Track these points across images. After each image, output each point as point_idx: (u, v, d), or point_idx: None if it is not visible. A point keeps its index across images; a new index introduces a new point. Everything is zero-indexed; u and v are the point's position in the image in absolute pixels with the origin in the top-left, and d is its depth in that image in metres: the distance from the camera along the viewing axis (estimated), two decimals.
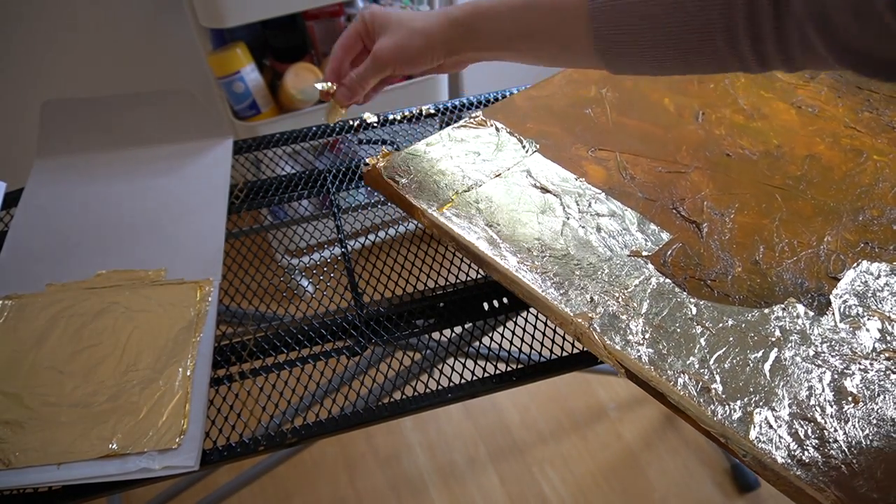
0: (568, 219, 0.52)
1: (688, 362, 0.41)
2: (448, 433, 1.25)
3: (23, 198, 0.61)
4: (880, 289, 0.46)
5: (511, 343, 0.53)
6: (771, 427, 0.38)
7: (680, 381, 0.40)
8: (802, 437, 0.37)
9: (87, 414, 0.44)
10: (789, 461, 0.36)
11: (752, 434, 0.37)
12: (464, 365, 0.50)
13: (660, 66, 0.42)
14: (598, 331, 0.44)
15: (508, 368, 0.50)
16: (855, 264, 0.48)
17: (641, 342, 0.43)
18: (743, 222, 0.52)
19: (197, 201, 0.61)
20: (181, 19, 1.20)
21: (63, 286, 0.53)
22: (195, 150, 0.66)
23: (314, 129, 0.70)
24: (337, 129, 0.70)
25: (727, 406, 0.39)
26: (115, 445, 0.42)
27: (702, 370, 0.41)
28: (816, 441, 0.37)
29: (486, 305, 0.54)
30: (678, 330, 0.43)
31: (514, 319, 0.55)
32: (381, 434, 1.25)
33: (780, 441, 0.37)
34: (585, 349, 0.50)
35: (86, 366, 0.47)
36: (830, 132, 0.61)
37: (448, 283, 0.56)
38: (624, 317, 0.44)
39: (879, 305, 0.45)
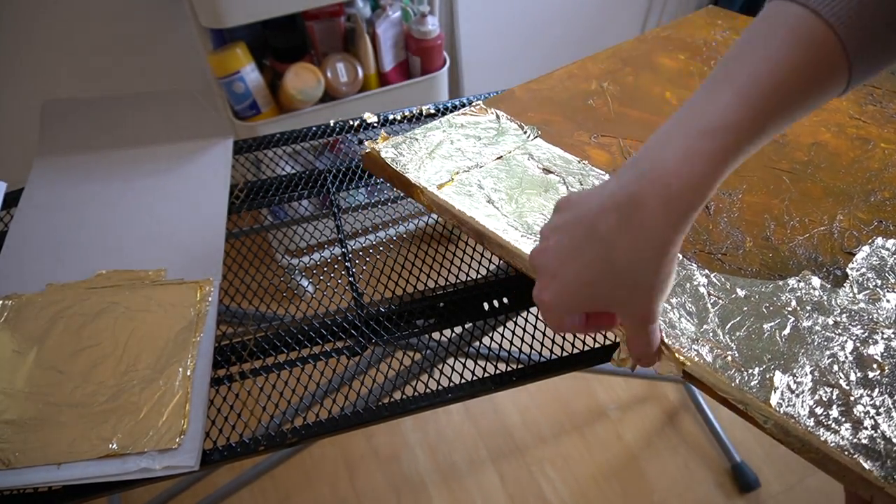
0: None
1: (701, 330, 0.41)
2: (448, 433, 1.25)
3: (23, 198, 0.61)
4: None
5: (511, 343, 0.53)
6: (793, 393, 0.37)
7: (694, 348, 0.40)
8: (827, 402, 0.36)
9: (87, 414, 0.44)
10: (814, 426, 0.35)
11: (774, 400, 0.36)
12: (464, 365, 0.50)
13: None
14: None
15: (508, 368, 0.50)
16: (870, 241, 0.48)
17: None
18: (751, 201, 0.52)
19: (197, 201, 0.61)
20: (181, 19, 1.20)
21: (63, 286, 0.53)
22: (195, 150, 0.66)
23: (314, 129, 0.70)
24: (337, 130, 0.70)
25: (744, 372, 0.38)
26: (115, 445, 0.42)
27: (715, 338, 0.40)
28: (842, 407, 0.36)
29: (486, 305, 0.54)
30: (689, 300, 0.43)
31: (514, 319, 0.55)
32: (381, 434, 1.25)
33: (803, 406, 0.36)
34: (586, 349, 0.50)
35: (86, 366, 0.47)
36: (835, 122, 0.61)
37: (448, 283, 0.56)
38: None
39: None
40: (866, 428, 0.36)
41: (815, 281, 0.45)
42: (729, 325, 0.41)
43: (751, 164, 0.56)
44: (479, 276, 0.56)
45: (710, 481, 1.18)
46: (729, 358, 0.39)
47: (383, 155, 0.55)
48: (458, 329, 0.55)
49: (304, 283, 1.21)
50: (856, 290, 0.44)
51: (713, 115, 0.30)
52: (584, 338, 0.50)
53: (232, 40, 1.08)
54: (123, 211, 0.60)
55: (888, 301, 0.43)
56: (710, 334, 0.41)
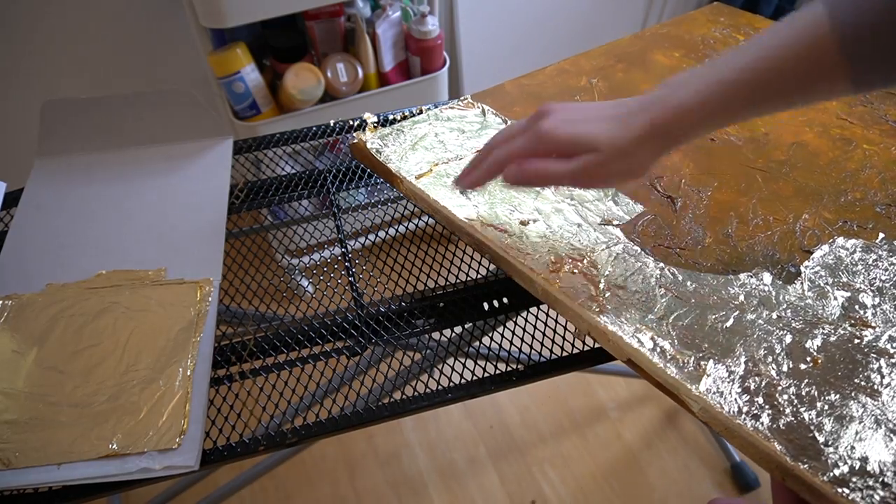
0: (542, 189, 0.53)
1: (646, 319, 0.42)
2: (448, 433, 1.25)
3: (23, 198, 0.61)
4: (854, 263, 0.47)
5: (511, 343, 0.53)
6: (723, 381, 0.38)
7: (635, 335, 0.41)
8: (754, 390, 0.38)
9: (87, 414, 0.44)
10: (737, 412, 0.37)
11: (703, 386, 0.38)
12: (464, 365, 0.50)
13: None
14: (560, 289, 0.44)
15: (508, 368, 0.50)
16: (830, 240, 0.48)
17: (601, 299, 0.43)
18: (719, 199, 0.52)
19: (197, 201, 0.61)
20: (181, 19, 1.19)
21: (63, 286, 0.53)
22: (195, 150, 0.66)
23: (314, 129, 0.70)
24: (337, 130, 0.70)
25: (680, 360, 0.40)
26: (115, 445, 0.42)
27: (658, 327, 0.42)
28: (767, 395, 0.38)
29: (486, 305, 0.54)
30: (639, 290, 0.44)
31: (514, 319, 0.55)
32: (381, 434, 1.25)
33: (731, 393, 0.38)
34: (586, 349, 0.50)
35: (86, 366, 0.47)
36: (821, 122, 0.61)
37: (448, 283, 0.56)
38: (587, 277, 0.45)
39: (851, 278, 0.46)
40: (786, 415, 0.37)
41: (766, 277, 0.45)
42: (674, 315, 0.43)
43: (725, 161, 0.56)
44: (479, 276, 0.56)
45: (710, 481, 1.18)
46: (668, 346, 0.40)
47: (369, 146, 0.57)
48: (458, 329, 0.55)
49: (304, 283, 1.21)
50: (805, 288, 0.45)
51: (724, 73, 0.38)
52: (585, 338, 0.50)
53: (232, 40, 1.08)
54: (123, 211, 0.60)
55: (835, 299, 0.44)
56: (654, 323, 0.42)
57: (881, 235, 0.49)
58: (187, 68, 1.28)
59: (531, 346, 0.52)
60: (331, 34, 1.15)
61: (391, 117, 0.71)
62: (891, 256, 0.47)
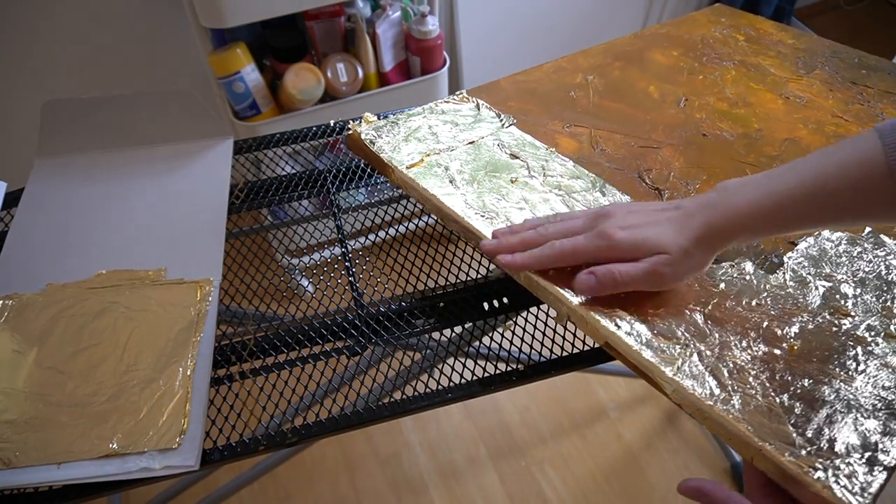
0: (531, 178, 0.53)
1: (625, 305, 0.43)
2: (448, 433, 1.25)
3: (23, 198, 0.61)
4: (838, 255, 0.47)
5: (511, 343, 0.53)
6: (697, 365, 0.39)
7: (614, 321, 0.42)
8: (727, 374, 0.39)
9: (87, 414, 0.44)
10: (709, 395, 0.37)
11: (678, 369, 0.39)
12: (464, 365, 0.50)
13: None
14: (542, 275, 0.45)
15: (508, 368, 0.50)
16: (816, 233, 0.49)
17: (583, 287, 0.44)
18: (707, 191, 0.52)
19: (197, 201, 0.61)
20: (181, 19, 1.19)
21: (63, 286, 0.53)
22: (195, 150, 0.66)
23: (314, 129, 0.70)
24: (337, 130, 0.70)
25: (658, 344, 0.40)
26: (115, 445, 0.42)
27: (638, 313, 0.42)
28: (740, 380, 0.38)
29: (486, 305, 0.54)
30: None
31: (514, 319, 0.55)
32: (381, 434, 1.25)
33: (704, 377, 0.38)
34: (586, 349, 0.51)
35: (86, 366, 0.47)
36: (816, 120, 0.61)
37: (448, 283, 0.56)
38: (570, 265, 0.46)
39: (833, 269, 0.46)
40: (757, 398, 0.37)
41: (748, 266, 0.46)
42: (652, 301, 0.43)
43: (716, 156, 0.56)
44: (479, 276, 0.56)
45: None
46: (644, 330, 0.41)
47: (363, 137, 0.58)
48: (458, 329, 0.55)
49: (304, 283, 1.21)
50: (787, 277, 0.45)
51: (778, 186, 0.39)
52: (584, 338, 0.50)
53: (232, 40, 1.08)
54: (124, 211, 0.60)
55: (816, 289, 0.44)
56: (633, 309, 0.43)
57: (867, 229, 0.49)
58: (187, 68, 1.28)
59: (531, 346, 0.52)
60: (331, 34, 1.15)
61: (391, 117, 0.71)
62: (875, 249, 0.47)
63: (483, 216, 0.50)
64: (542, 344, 0.52)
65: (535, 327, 0.53)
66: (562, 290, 0.44)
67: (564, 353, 0.51)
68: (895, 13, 2.37)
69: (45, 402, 0.45)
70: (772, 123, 0.60)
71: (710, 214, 0.41)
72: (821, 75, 0.68)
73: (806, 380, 0.38)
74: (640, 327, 0.41)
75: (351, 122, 0.61)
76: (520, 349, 0.52)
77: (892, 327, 0.42)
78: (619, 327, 0.41)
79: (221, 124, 0.67)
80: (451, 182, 0.53)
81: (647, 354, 0.40)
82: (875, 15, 2.36)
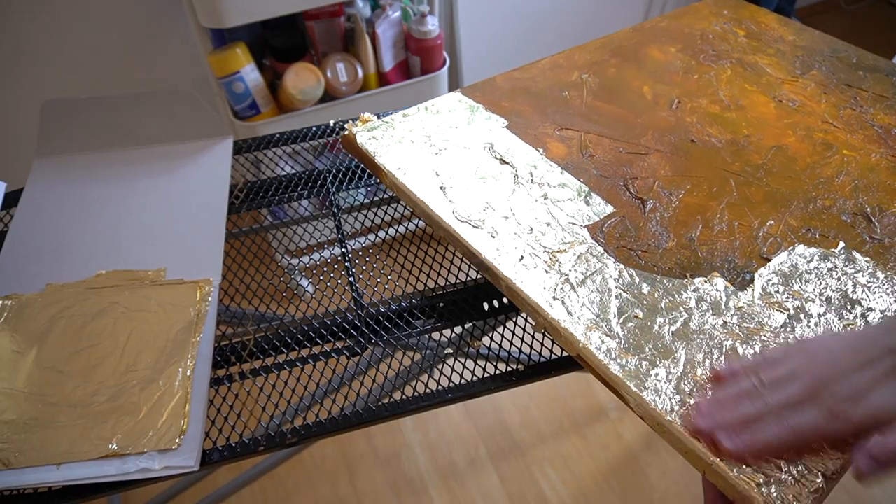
0: (518, 186, 0.54)
1: (598, 318, 0.44)
2: (448, 433, 1.25)
3: (23, 198, 0.61)
4: (808, 272, 0.47)
5: (511, 343, 0.53)
6: (661, 381, 0.40)
7: (584, 333, 0.43)
8: (688, 392, 0.39)
9: (87, 414, 0.44)
10: (669, 410, 0.38)
11: (641, 384, 0.40)
12: (464, 365, 0.50)
13: None
14: (520, 285, 0.45)
15: (508, 368, 0.50)
16: (791, 248, 0.49)
17: (557, 297, 0.45)
18: (689, 202, 0.53)
19: (197, 201, 0.61)
20: (181, 19, 1.20)
21: (63, 286, 0.53)
22: (195, 150, 0.66)
23: (314, 129, 0.70)
24: (337, 130, 0.70)
25: (624, 359, 0.41)
26: (114, 446, 0.42)
27: (608, 327, 0.43)
28: (699, 396, 0.39)
29: (486, 305, 0.54)
30: (596, 290, 0.45)
31: (514, 319, 0.55)
32: (381, 434, 1.25)
33: (665, 392, 0.39)
34: None
35: (86, 366, 0.47)
36: (805, 126, 0.61)
37: (448, 283, 0.56)
38: (547, 274, 0.46)
39: (802, 287, 0.46)
40: None
41: (720, 283, 0.46)
42: (623, 316, 0.44)
43: (702, 164, 0.56)
44: (479, 276, 0.56)
45: None
46: (614, 345, 0.42)
47: (358, 139, 0.58)
48: (458, 329, 0.55)
49: (304, 283, 1.21)
50: (756, 295, 0.45)
51: None
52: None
53: (232, 40, 1.08)
54: (123, 211, 0.60)
55: (782, 308, 0.45)
56: (604, 323, 0.43)
57: (841, 244, 0.49)
58: (187, 68, 1.28)
59: (531, 347, 0.52)
60: (331, 34, 1.15)
61: (385, 118, 0.71)
62: (846, 266, 0.47)
63: (471, 224, 0.50)
64: (542, 344, 0.52)
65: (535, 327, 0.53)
66: (538, 304, 0.44)
67: (564, 354, 0.51)
68: (895, 13, 2.37)
69: (44, 402, 0.45)
70: (761, 129, 0.60)
71: None
72: (816, 76, 0.68)
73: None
74: (611, 342, 0.42)
75: (350, 122, 0.61)
76: (520, 349, 0.52)
77: None
78: (590, 341, 0.42)
79: (221, 124, 0.67)
80: (440, 188, 0.53)
81: (615, 368, 0.41)
82: (875, 15, 2.36)
